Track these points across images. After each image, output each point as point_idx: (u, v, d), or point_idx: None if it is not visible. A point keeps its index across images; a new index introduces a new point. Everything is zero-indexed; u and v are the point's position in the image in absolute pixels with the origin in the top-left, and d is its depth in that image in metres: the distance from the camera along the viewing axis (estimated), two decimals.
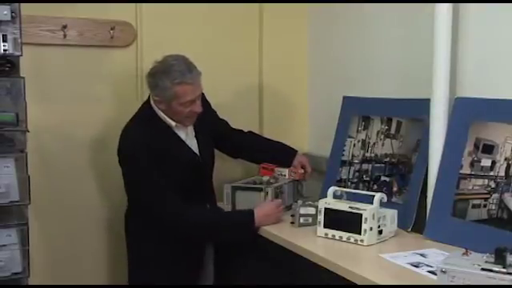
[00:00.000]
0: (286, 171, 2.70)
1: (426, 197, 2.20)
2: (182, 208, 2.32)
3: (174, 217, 2.32)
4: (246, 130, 2.81)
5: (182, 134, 2.45)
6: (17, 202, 2.23)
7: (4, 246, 2.22)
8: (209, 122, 2.60)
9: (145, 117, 2.43)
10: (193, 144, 2.49)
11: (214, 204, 2.60)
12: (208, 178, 2.55)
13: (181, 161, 2.41)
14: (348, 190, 2.36)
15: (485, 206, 1.99)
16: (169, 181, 2.32)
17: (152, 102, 2.41)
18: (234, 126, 2.79)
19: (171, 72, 2.30)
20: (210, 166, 2.57)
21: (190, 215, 2.33)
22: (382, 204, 2.12)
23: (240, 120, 2.96)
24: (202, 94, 2.52)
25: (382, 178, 2.45)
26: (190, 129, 2.50)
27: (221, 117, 2.73)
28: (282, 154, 2.72)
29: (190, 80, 2.31)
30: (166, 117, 2.40)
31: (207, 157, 2.55)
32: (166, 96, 2.32)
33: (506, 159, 1.97)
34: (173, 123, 2.40)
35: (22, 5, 2.21)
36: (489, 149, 2.02)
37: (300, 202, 2.38)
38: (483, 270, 1.48)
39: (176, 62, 2.33)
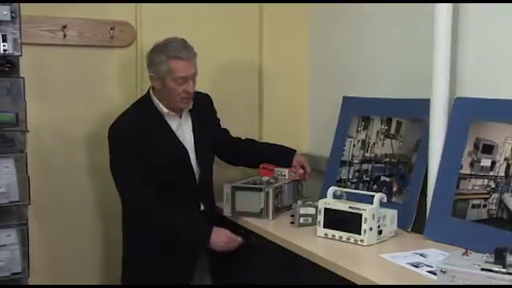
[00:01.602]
0: (285, 171, 2.70)
1: (426, 197, 2.20)
2: (149, 200, 2.35)
3: (141, 207, 2.36)
4: (244, 137, 2.80)
5: (173, 124, 2.47)
6: (17, 202, 2.23)
7: (4, 246, 2.22)
8: (212, 126, 2.64)
9: (140, 102, 2.52)
10: (186, 137, 2.50)
11: (211, 204, 2.60)
12: (202, 176, 2.53)
13: (166, 150, 2.42)
14: (348, 190, 2.36)
15: (485, 206, 1.99)
16: (150, 169, 2.35)
17: (150, 89, 2.48)
18: (233, 126, 2.80)
19: (168, 47, 2.39)
20: (204, 164, 2.55)
21: (151, 209, 2.36)
22: (381, 204, 2.12)
23: (240, 120, 2.97)
24: (210, 100, 2.63)
25: (382, 178, 2.45)
26: (186, 122, 2.52)
27: (221, 118, 2.74)
28: (281, 155, 2.72)
29: (185, 56, 2.38)
30: (159, 103, 2.44)
31: (203, 154, 2.54)
32: (161, 71, 2.38)
33: (505, 159, 1.97)
34: (165, 110, 2.43)
35: (22, 5, 2.21)
36: (489, 149, 2.02)
37: (300, 202, 2.38)
38: (483, 270, 1.48)
39: (173, 40, 2.41)
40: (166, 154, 2.41)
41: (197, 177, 2.51)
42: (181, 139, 2.48)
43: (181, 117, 2.51)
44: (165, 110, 2.44)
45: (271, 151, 2.74)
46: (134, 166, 2.35)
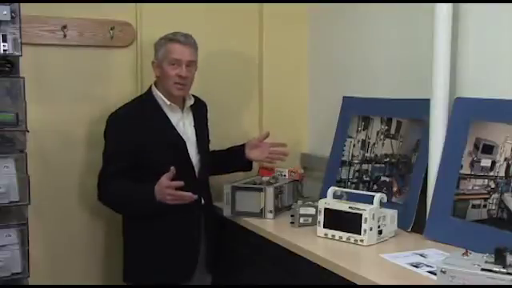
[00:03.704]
0: (286, 171, 2.70)
1: (426, 197, 2.20)
2: (112, 179, 2.38)
3: (102, 185, 2.42)
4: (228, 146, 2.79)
5: (173, 118, 2.49)
6: (17, 202, 2.22)
7: (4, 246, 2.22)
8: (207, 131, 2.65)
9: (140, 97, 2.57)
10: (187, 132, 2.52)
11: (210, 200, 2.61)
12: (202, 172, 2.54)
13: (163, 140, 2.43)
14: (348, 190, 2.36)
15: (485, 206, 1.99)
16: (148, 160, 2.37)
17: (152, 84, 2.52)
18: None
19: (169, 34, 2.48)
20: (204, 160, 2.56)
21: (107, 186, 2.40)
22: (381, 204, 2.13)
23: (240, 120, 2.98)
24: (207, 108, 2.65)
25: (382, 178, 2.45)
26: (188, 117, 2.54)
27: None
28: (233, 151, 2.73)
29: (181, 39, 2.45)
30: (161, 96, 2.47)
31: (203, 150, 2.55)
32: (160, 56, 2.46)
33: (505, 159, 1.97)
34: (167, 102, 2.46)
35: (22, 5, 2.20)
36: (489, 149, 2.02)
37: (300, 202, 2.39)
38: (483, 270, 1.48)
39: (179, 31, 2.48)
40: (162, 144, 2.42)
41: (196, 171, 2.51)
42: (181, 133, 2.49)
43: (182, 112, 2.52)
44: (167, 102, 2.46)
45: (225, 154, 2.74)
46: (114, 159, 2.39)
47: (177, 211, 2.37)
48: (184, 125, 2.52)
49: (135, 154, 2.38)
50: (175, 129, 2.48)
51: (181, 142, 2.47)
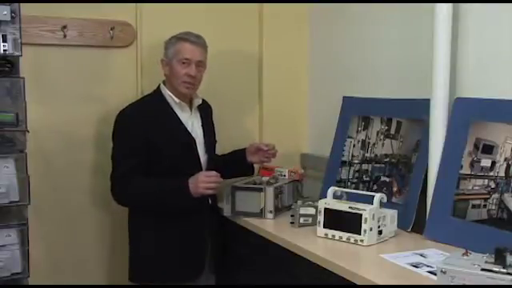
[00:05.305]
0: (286, 171, 2.70)
1: (426, 197, 2.20)
2: (129, 177, 2.36)
3: (119, 184, 2.38)
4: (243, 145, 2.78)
5: (183, 116, 2.49)
6: (17, 202, 2.22)
7: (4, 246, 2.21)
8: (214, 132, 2.65)
9: (149, 95, 2.57)
10: (196, 131, 2.52)
11: (216, 201, 2.61)
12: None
13: (172, 137, 2.44)
14: (348, 190, 2.36)
15: (485, 206, 1.99)
16: (157, 157, 2.37)
17: (161, 83, 2.52)
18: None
19: (181, 33, 2.49)
20: (211, 160, 2.56)
21: (127, 185, 2.37)
22: (381, 204, 2.13)
23: (240, 120, 2.98)
24: (211, 109, 2.65)
25: (382, 179, 2.45)
26: (196, 117, 2.55)
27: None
28: (235, 155, 2.73)
29: (193, 39, 2.46)
30: (171, 94, 2.47)
31: (211, 150, 2.57)
32: (170, 54, 2.47)
33: (505, 159, 1.97)
34: (176, 100, 2.46)
35: (22, 5, 2.20)
36: (489, 149, 2.02)
37: (300, 202, 2.38)
38: (483, 270, 1.48)
39: (191, 31, 2.50)
40: (172, 141, 2.43)
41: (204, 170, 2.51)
42: (190, 131, 2.50)
43: (191, 111, 2.53)
44: (176, 100, 2.47)
45: (227, 158, 2.73)
46: (128, 156, 2.38)
47: (185, 211, 2.38)
48: (193, 124, 2.52)
49: (146, 151, 2.38)
50: (183, 124, 2.49)
51: (191, 140, 2.48)
